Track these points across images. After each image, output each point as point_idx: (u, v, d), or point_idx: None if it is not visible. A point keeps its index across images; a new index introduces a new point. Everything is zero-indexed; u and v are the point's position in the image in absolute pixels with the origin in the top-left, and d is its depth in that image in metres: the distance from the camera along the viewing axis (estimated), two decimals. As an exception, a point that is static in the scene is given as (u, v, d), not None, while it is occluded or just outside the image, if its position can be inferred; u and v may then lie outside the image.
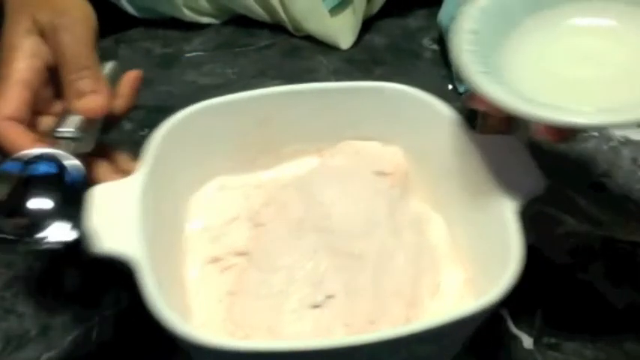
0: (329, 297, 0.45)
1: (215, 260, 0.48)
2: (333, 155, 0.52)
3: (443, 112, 0.49)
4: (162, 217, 0.45)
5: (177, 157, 0.48)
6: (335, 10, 0.75)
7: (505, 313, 0.50)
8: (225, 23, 0.77)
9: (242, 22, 0.76)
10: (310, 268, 0.47)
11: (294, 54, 0.73)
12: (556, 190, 0.58)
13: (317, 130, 0.51)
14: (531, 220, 0.56)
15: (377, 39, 0.75)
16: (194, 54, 0.73)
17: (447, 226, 0.51)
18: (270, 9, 0.74)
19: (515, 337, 0.49)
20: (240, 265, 0.48)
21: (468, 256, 0.48)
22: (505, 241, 0.43)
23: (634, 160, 0.60)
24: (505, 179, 0.45)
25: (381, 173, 0.52)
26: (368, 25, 0.75)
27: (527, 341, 0.49)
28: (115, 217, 0.41)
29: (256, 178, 0.53)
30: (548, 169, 0.58)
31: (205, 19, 0.76)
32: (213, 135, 0.50)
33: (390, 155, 0.53)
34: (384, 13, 0.76)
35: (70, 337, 0.49)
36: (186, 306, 0.46)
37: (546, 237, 0.55)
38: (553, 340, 0.49)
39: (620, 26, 0.47)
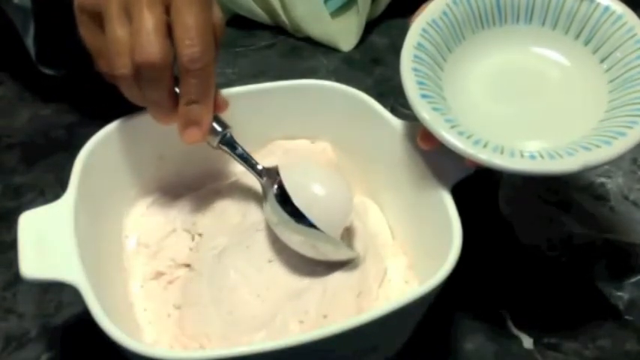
0: (279, 295, 0.46)
1: (158, 275, 0.49)
2: (264, 157, 0.52)
3: (367, 103, 0.50)
4: (97, 238, 0.45)
5: (106, 176, 0.47)
6: (336, 13, 0.75)
7: (505, 313, 0.50)
8: (225, 23, 0.77)
9: (242, 22, 0.76)
10: (256, 269, 0.47)
11: (294, 54, 0.73)
12: (556, 190, 0.58)
13: (244, 133, 0.51)
14: (531, 220, 0.56)
15: (377, 39, 0.75)
16: (194, 54, 0.73)
17: (384, 215, 0.52)
18: (271, 11, 0.74)
19: (515, 337, 0.49)
20: (183, 278, 0.48)
21: (408, 241, 0.50)
22: (443, 222, 0.43)
23: (634, 160, 0.60)
24: (434, 162, 0.46)
25: None
26: (368, 25, 0.75)
27: (527, 341, 0.49)
28: (49, 243, 0.41)
29: (188, 188, 0.53)
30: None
31: (207, 20, 0.76)
32: (140, 151, 0.50)
33: (320, 151, 0.54)
34: (384, 13, 0.76)
35: (70, 337, 0.49)
36: (136, 324, 0.46)
37: (546, 237, 0.55)
38: (553, 340, 0.49)
39: (571, 68, 0.47)
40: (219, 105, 0.48)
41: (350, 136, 0.52)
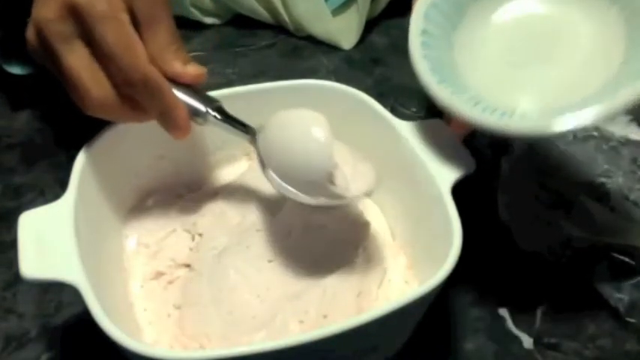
0: (279, 295, 0.46)
1: (158, 275, 0.49)
2: None
3: (367, 103, 0.50)
4: (97, 238, 0.45)
5: (106, 175, 0.47)
6: (337, 11, 0.75)
7: (505, 313, 0.50)
8: (225, 23, 0.77)
9: (242, 22, 0.76)
10: (256, 269, 0.47)
11: (294, 54, 0.73)
12: (556, 190, 0.58)
13: None
14: (531, 221, 0.56)
15: (377, 39, 0.75)
16: (194, 54, 0.73)
17: (384, 215, 0.52)
18: (272, 10, 0.74)
19: (515, 337, 0.49)
20: (183, 278, 0.48)
21: (408, 241, 0.50)
22: (443, 222, 0.43)
23: (634, 160, 0.60)
24: (435, 162, 0.46)
25: None
26: (368, 24, 0.75)
27: (527, 341, 0.49)
28: (49, 243, 0.41)
29: (188, 188, 0.53)
30: (549, 170, 0.58)
31: (209, 20, 0.77)
32: (140, 151, 0.50)
33: None
34: (384, 12, 0.76)
35: (70, 337, 0.49)
36: (136, 324, 0.46)
37: (546, 237, 0.55)
38: (553, 340, 0.49)
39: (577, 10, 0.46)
40: (192, 79, 0.46)
41: (350, 136, 0.52)
